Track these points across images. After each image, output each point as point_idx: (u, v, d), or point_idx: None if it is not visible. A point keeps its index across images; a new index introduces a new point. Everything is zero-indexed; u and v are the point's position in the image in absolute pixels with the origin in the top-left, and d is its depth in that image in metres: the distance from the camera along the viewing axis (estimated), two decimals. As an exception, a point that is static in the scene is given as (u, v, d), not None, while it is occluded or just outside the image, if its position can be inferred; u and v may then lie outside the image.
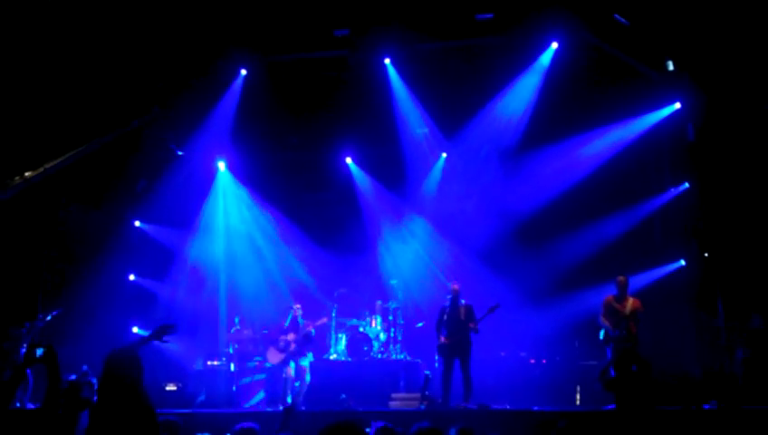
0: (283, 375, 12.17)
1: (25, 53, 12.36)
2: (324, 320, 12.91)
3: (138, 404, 4.48)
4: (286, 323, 12.47)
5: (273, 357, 12.45)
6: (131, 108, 13.90)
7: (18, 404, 11.84)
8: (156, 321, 14.71)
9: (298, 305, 12.68)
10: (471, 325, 11.20)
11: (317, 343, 13.08)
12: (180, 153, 13.18)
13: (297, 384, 12.09)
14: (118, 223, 15.01)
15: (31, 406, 11.86)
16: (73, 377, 10.54)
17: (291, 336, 12.26)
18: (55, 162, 7.79)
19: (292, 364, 12.05)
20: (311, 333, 12.34)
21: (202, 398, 12.78)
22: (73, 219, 14.62)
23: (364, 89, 14.24)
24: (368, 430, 5.92)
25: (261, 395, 13.09)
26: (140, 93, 13.96)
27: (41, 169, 7.41)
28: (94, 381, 10.59)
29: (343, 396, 11.78)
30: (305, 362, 12.22)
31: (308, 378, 12.10)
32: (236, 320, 14.14)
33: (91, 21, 12.41)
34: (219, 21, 13.20)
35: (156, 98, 14.03)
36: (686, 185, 13.57)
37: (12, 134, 12.88)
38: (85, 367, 10.95)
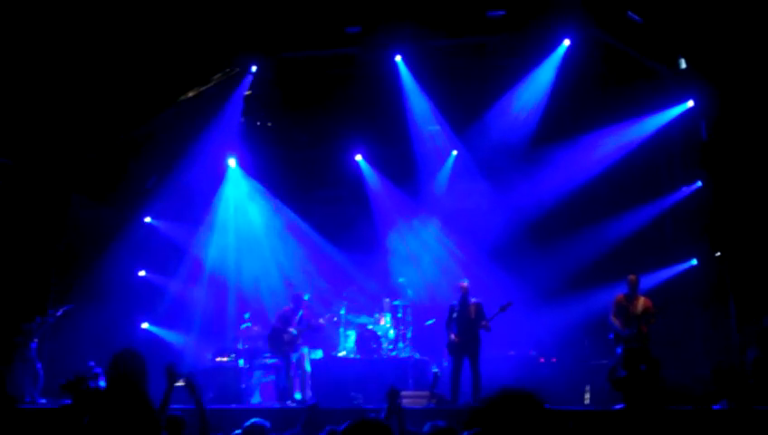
0: (291, 369, 12.16)
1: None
2: (322, 320, 12.76)
3: (139, 403, 4.52)
4: (297, 316, 12.42)
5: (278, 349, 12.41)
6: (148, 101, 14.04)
7: (28, 398, 11.92)
8: (166, 317, 14.89)
9: (305, 295, 12.64)
10: (483, 323, 11.16)
11: (324, 337, 13.02)
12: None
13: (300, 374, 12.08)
14: (128, 219, 15.04)
15: (42, 401, 11.92)
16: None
17: (293, 327, 12.20)
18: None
19: (294, 355, 12.00)
20: (317, 323, 12.25)
21: (210, 394, 12.80)
22: (84, 215, 14.67)
23: (375, 86, 14.21)
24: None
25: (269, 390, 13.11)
26: (154, 90, 14.03)
27: None
28: (100, 371, 10.64)
29: (352, 393, 11.78)
30: (305, 349, 12.12)
31: (308, 367, 12.00)
32: (246, 316, 14.16)
33: (100, 20, 12.46)
34: (231, 17, 13.20)
35: (168, 94, 14.09)
36: (699, 184, 13.47)
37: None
38: (91, 362, 11.00)
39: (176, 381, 5.75)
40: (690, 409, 9.42)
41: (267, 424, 6.16)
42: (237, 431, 6.56)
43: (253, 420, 6.21)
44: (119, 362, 5.13)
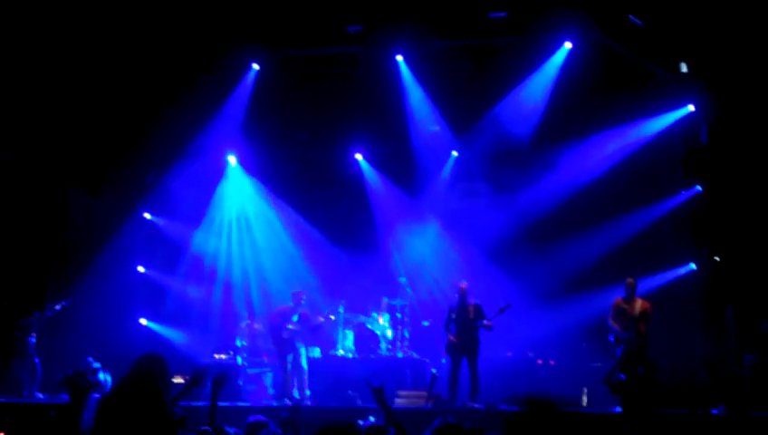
0: (288, 367, 12.17)
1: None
2: (321, 319, 12.81)
3: (156, 410, 4.41)
4: (294, 316, 12.41)
5: (276, 347, 12.42)
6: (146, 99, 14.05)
7: (26, 393, 11.92)
8: (164, 313, 14.89)
9: (304, 294, 12.64)
10: (485, 322, 11.15)
11: (323, 336, 13.02)
12: None
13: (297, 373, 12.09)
14: (127, 215, 15.04)
15: (39, 396, 11.92)
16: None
17: (291, 325, 12.22)
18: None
19: (291, 354, 12.00)
20: (315, 322, 12.27)
21: (208, 391, 12.78)
22: (82, 210, 14.66)
23: (376, 85, 14.18)
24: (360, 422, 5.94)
25: (269, 390, 13.10)
26: (153, 87, 14.04)
27: None
28: (98, 366, 10.65)
29: (350, 392, 11.79)
30: (303, 349, 12.12)
31: (304, 365, 12.02)
32: (245, 313, 14.15)
33: (102, 14, 12.44)
34: (232, 14, 13.19)
35: (168, 92, 14.09)
36: (698, 188, 13.48)
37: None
38: (90, 358, 11.00)
39: (197, 385, 5.74)
40: (687, 413, 9.45)
41: (268, 420, 6.20)
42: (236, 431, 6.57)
43: (255, 416, 6.24)
44: (140, 366, 4.98)
